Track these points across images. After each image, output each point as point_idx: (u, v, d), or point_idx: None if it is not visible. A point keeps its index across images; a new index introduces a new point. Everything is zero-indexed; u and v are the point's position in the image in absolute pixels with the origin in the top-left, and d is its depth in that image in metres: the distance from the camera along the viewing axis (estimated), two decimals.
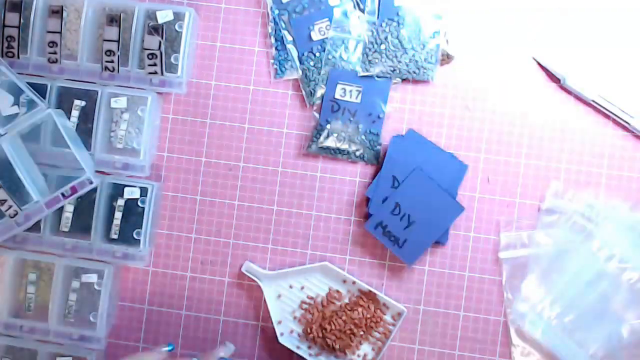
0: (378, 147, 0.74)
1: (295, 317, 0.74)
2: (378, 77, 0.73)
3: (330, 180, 0.75)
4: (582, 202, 0.72)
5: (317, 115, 0.74)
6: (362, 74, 0.73)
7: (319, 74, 0.74)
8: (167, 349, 0.67)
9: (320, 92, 0.74)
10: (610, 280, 0.70)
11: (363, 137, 0.73)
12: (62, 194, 0.71)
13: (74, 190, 0.70)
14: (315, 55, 0.74)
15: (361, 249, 0.74)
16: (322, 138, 0.73)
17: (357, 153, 0.74)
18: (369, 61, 0.73)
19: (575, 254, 0.71)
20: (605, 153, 0.73)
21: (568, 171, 0.73)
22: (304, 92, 0.75)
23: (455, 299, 0.74)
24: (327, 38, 0.73)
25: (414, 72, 0.73)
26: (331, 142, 0.73)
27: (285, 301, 0.74)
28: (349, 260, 0.74)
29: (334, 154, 0.74)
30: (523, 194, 0.74)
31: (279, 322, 0.73)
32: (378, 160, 0.74)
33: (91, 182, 0.71)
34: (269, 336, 0.75)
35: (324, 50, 0.74)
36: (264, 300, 0.73)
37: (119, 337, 0.76)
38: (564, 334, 0.70)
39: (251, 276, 0.73)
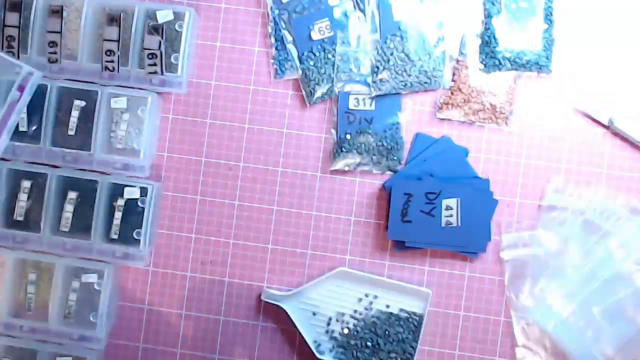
0: (400, 151, 0.73)
1: (331, 332, 0.73)
2: (391, 93, 0.73)
3: (330, 180, 0.75)
4: (586, 199, 0.72)
5: (334, 131, 0.74)
6: (374, 94, 0.73)
7: (319, 73, 0.74)
8: None
9: (320, 91, 0.74)
10: (627, 283, 0.69)
11: (384, 143, 0.73)
12: (13, 101, 0.69)
13: (21, 89, 0.68)
14: (315, 55, 0.74)
15: (361, 249, 0.74)
16: (344, 153, 0.73)
17: (380, 165, 0.73)
18: (380, 80, 0.73)
19: (590, 253, 0.70)
20: (605, 153, 0.74)
21: (568, 171, 0.73)
22: (304, 92, 0.75)
23: (455, 299, 0.74)
24: (326, 39, 0.73)
25: (425, 83, 0.73)
26: (354, 157, 0.73)
27: (318, 318, 0.73)
28: (349, 260, 0.74)
29: (357, 167, 0.74)
30: (523, 194, 0.74)
31: (316, 342, 0.73)
32: (397, 169, 0.74)
33: (32, 73, 0.68)
34: (269, 336, 0.75)
35: (324, 50, 0.74)
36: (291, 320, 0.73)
37: (119, 337, 0.76)
38: (576, 330, 0.70)
39: (272, 302, 0.73)
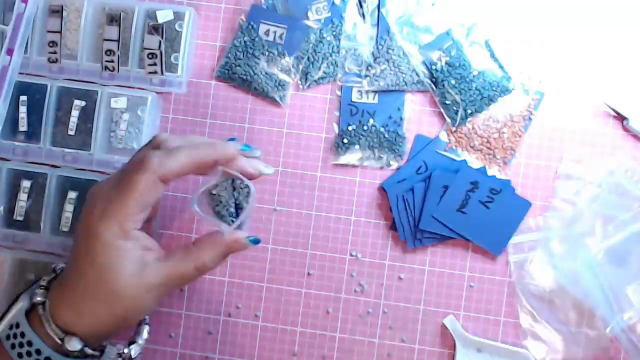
0: (401, 146, 0.73)
1: None
2: (384, 90, 0.74)
3: (330, 179, 0.75)
4: (602, 172, 0.71)
5: (335, 125, 0.74)
6: (366, 88, 0.73)
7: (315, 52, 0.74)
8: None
9: (316, 75, 0.74)
10: None
11: (385, 136, 0.73)
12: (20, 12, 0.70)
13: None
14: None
15: (362, 249, 0.74)
16: (346, 146, 0.73)
17: (382, 159, 0.73)
18: (374, 75, 0.73)
19: (621, 223, 0.69)
20: (605, 153, 0.73)
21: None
22: (299, 75, 0.75)
23: (455, 298, 0.73)
24: (323, 20, 0.73)
25: (418, 83, 0.73)
26: (356, 151, 0.73)
27: None
28: (349, 260, 0.74)
29: (359, 162, 0.74)
30: (522, 194, 0.74)
31: None
32: (400, 161, 0.74)
33: None
34: (269, 335, 0.74)
35: (320, 31, 0.74)
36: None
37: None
38: (606, 274, 0.67)
39: (451, 332, 0.72)
